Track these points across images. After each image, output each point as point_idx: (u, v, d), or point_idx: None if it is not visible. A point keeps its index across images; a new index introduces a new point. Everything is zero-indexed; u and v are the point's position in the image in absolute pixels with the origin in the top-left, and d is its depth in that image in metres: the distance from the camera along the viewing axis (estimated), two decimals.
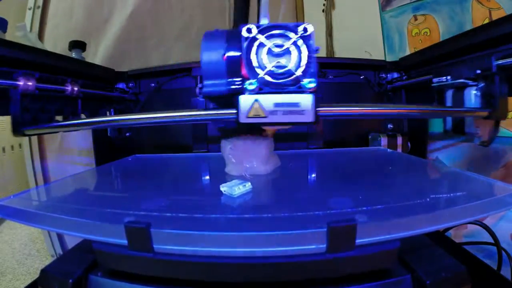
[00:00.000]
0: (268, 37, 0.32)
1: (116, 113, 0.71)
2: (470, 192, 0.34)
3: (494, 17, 0.69)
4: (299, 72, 0.32)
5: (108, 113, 0.70)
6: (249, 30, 0.32)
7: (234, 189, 0.35)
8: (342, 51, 1.06)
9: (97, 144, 0.73)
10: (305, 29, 0.32)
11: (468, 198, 0.31)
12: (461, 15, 0.75)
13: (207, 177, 0.51)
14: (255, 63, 0.32)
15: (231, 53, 0.34)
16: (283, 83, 0.32)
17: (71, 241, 0.82)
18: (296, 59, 0.32)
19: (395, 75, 0.71)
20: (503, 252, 0.52)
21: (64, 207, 0.34)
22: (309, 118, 0.32)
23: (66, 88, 0.52)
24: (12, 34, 0.59)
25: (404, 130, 0.75)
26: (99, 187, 0.48)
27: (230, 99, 0.34)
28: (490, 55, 0.42)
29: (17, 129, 0.43)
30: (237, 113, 0.33)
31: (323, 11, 1.09)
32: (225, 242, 0.25)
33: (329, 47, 1.07)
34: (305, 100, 0.32)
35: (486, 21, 0.70)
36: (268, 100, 0.32)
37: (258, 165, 0.44)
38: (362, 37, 0.99)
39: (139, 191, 0.42)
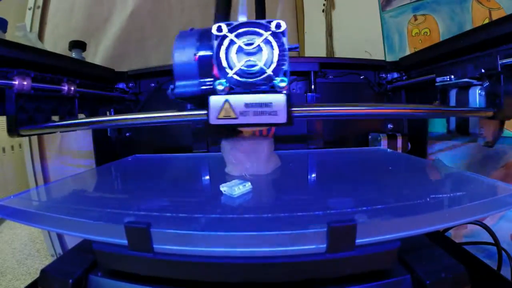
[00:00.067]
0: (239, 35, 0.30)
1: (116, 113, 0.71)
2: (470, 192, 0.34)
3: (494, 17, 0.69)
4: (270, 71, 0.30)
5: (108, 113, 0.70)
6: (219, 29, 0.31)
7: (234, 189, 0.35)
8: (342, 51, 1.06)
9: (97, 144, 0.73)
10: (277, 25, 0.30)
11: (468, 198, 0.31)
12: (461, 15, 0.75)
13: (207, 177, 0.51)
14: (224, 62, 0.31)
15: (203, 53, 0.33)
16: (255, 82, 0.31)
17: (71, 241, 0.82)
18: (267, 57, 0.30)
19: (395, 75, 0.71)
20: (503, 252, 0.51)
21: (64, 207, 0.34)
22: (282, 119, 0.31)
23: (63, 87, 0.52)
24: (12, 34, 0.59)
25: (404, 131, 0.76)
26: (99, 187, 0.48)
27: (204, 101, 0.33)
28: (495, 54, 0.42)
29: (12, 129, 0.43)
30: (207, 114, 0.32)
31: (323, 11, 1.09)
32: (225, 242, 0.25)
33: (329, 47, 1.07)
34: (278, 100, 0.31)
35: (486, 21, 0.70)
36: (239, 100, 0.31)
37: (258, 165, 0.44)
38: (362, 37, 0.99)
39: (139, 191, 0.42)
